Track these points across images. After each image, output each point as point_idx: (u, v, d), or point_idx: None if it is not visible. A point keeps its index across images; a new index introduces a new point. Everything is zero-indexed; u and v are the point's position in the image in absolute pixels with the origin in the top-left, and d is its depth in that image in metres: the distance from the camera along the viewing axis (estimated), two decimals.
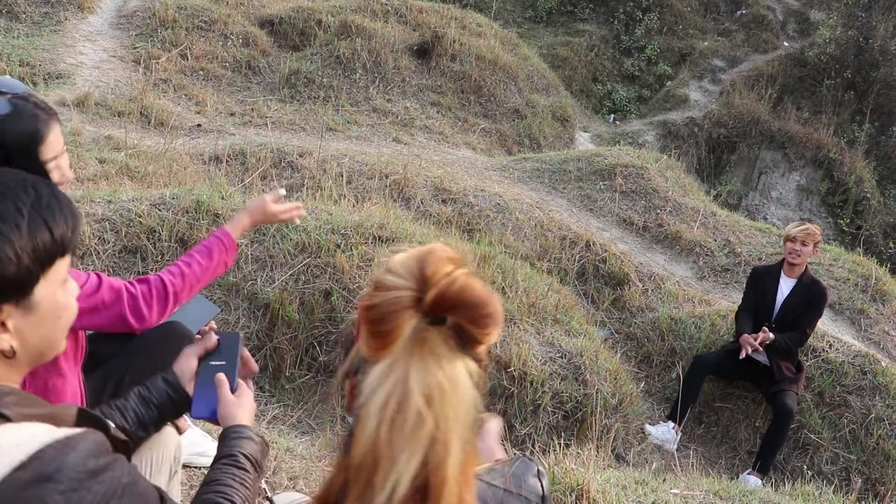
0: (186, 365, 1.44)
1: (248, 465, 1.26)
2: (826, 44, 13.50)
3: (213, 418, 1.40)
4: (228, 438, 1.29)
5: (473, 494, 0.95)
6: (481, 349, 0.99)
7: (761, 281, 4.91)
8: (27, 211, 0.99)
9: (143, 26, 8.79)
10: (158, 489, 1.05)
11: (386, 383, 0.91)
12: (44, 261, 1.02)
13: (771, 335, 4.63)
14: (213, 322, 2.58)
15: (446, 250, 0.98)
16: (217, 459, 1.26)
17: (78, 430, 0.97)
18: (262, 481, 1.32)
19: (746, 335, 4.72)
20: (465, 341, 0.95)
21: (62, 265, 1.06)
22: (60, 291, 1.08)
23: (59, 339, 1.10)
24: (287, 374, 3.98)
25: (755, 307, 4.90)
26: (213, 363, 1.45)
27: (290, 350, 4.02)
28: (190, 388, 1.43)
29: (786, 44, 14.89)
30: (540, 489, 1.11)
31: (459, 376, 0.93)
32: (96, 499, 0.89)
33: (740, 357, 4.67)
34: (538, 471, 1.14)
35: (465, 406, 0.93)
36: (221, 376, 1.41)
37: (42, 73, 7.22)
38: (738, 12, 15.86)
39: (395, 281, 0.95)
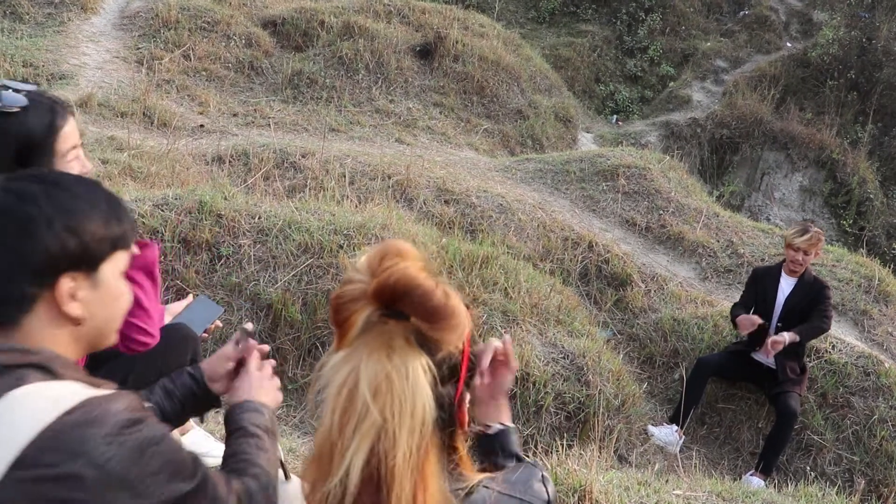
0: (219, 366, 1.46)
1: (258, 432, 1.30)
2: (829, 44, 13.47)
3: None
4: (233, 415, 1.34)
5: (437, 497, 0.97)
6: (446, 350, 1.00)
7: (761, 281, 4.88)
8: (105, 202, 1.17)
9: (146, 27, 8.80)
10: (193, 454, 1.11)
11: (340, 372, 0.96)
12: (112, 243, 1.17)
13: (786, 336, 4.51)
14: (217, 321, 2.58)
15: (399, 245, 1.01)
16: (228, 436, 1.31)
17: (116, 390, 1.09)
18: (279, 447, 1.38)
19: (744, 315, 4.68)
20: (425, 341, 0.98)
21: (123, 257, 1.21)
22: (120, 281, 1.21)
23: (115, 322, 1.22)
24: (290, 374, 3.99)
25: (756, 308, 4.88)
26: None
27: (292, 350, 4.03)
28: (216, 387, 1.46)
29: (789, 44, 14.86)
30: (545, 494, 1.11)
31: (412, 372, 0.95)
32: (135, 445, 0.98)
33: (749, 331, 4.64)
34: (543, 476, 1.14)
35: (419, 402, 0.95)
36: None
37: (45, 74, 7.23)
38: (741, 13, 15.84)
39: (355, 275, 1.00)
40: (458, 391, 1.05)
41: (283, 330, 4.03)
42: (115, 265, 1.18)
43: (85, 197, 1.13)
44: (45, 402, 0.97)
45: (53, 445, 0.93)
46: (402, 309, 0.97)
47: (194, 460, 1.08)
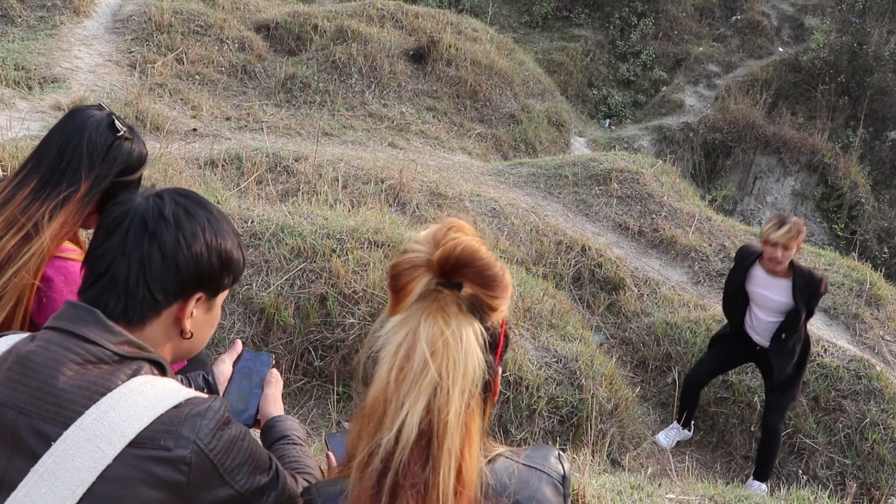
0: (223, 368, 1.63)
1: (300, 441, 1.45)
2: (820, 49, 13.56)
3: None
4: (276, 426, 1.48)
5: (477, 455, 1.05)
6: (494, 317, 1.11)
7: (741, 266, 4.41)
8: (237, 237, 1.28)
9: (138, 31, 8.78)
10: (268, 452, 1.24)
11: (399, 333, 1.03)
12: (235, 276, 1.28)
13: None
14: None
15: (460, 223, 1.11)
16: (273, 442, 1.44)
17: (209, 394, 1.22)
18: None
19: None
20: (478, 308, 1.07)
21: (227, 292, 1.31)
22: (219, 310, 1.32)
23: (202, 345, 1.32)
24: (282, 378, 3.97)
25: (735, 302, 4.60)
26: (242, 385, 1.57)
27: (285, 355, 4.02)
28: (221, 390, 1.57)
29: (780, 49, 14.94)
30: (561, 469, 1.17)
31: (466, 335, 1.03)
32: (230, 437, 1.11)
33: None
34: (559, 454, 1.20)
35: (470, 363, 1.03)
36: (259, 390, 1.59)
37: (37, 78, 7.20)
38: (733, 18, 15.92)
39: (415, 246, 1.08)
40: (497, 361, 1.14)
41: (276, 334, 4.02)
42: (224, 294, 1.30)
43: (229, 229, 1.26)
44: (160, 392, 1.09)
45: (169, 431, 1.05)
46: (460, 278, 1.05)
47: (269, 457, 1.21)
